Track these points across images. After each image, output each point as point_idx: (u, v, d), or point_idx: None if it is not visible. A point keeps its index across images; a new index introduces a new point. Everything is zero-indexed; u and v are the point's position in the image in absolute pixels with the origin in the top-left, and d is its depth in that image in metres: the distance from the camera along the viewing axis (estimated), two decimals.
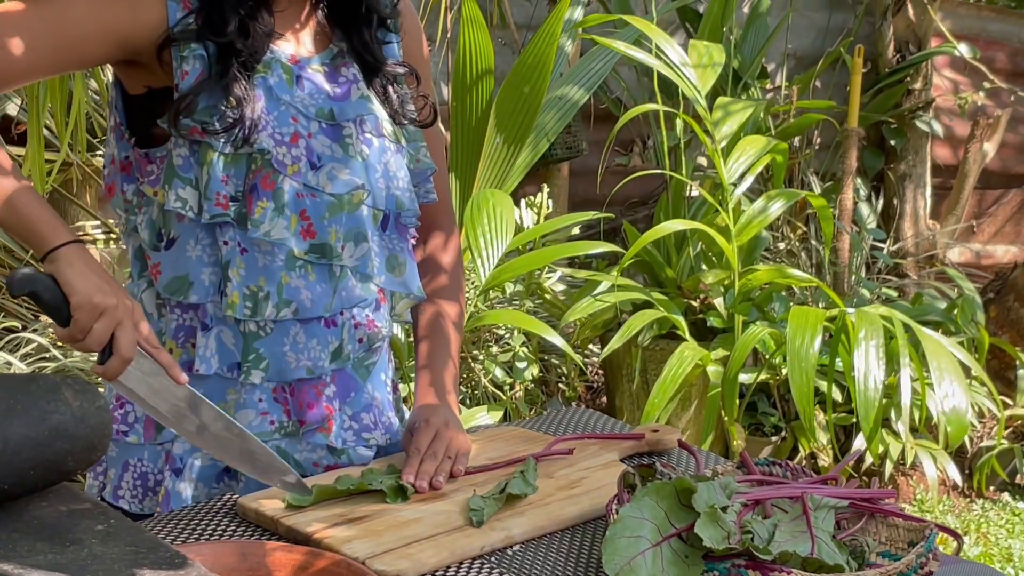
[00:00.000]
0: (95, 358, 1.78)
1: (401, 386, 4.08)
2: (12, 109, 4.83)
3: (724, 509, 1.60)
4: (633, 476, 1.75)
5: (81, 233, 5.02)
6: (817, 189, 6.55)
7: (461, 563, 1.66)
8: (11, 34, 1.79)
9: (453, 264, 2.28)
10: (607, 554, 1.52)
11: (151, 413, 1.81)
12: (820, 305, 4.99)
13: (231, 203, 1.91)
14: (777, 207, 4.66)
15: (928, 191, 7.08)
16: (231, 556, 1.58)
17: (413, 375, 2.52)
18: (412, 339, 2.28)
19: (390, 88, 2.07)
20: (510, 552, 1.71)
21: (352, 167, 1.97)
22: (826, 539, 1.63)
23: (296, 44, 2.01)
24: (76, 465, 1.59)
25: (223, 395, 1.99)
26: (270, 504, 1.79)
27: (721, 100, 4.98)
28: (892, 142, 7.01)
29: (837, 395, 4.81)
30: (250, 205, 1.90)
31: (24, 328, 4.49)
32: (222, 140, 1.88)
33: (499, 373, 4.71)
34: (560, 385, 5.34)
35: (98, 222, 4.91)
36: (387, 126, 2.05)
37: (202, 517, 1.82)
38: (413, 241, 2.15)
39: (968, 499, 5.26)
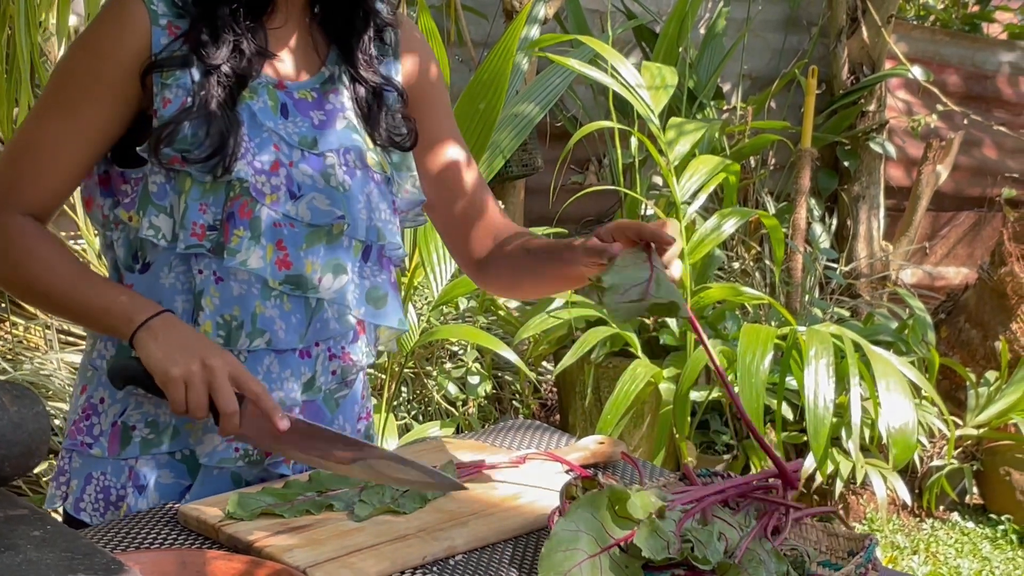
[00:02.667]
0: None
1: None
2: None
3: (661, 515, 1.61)
4: (576, 488, 1.74)
5: (70, 240, 5.01)
6: (771, 209, 6.60)
7: (403, 572, 1.66)
8: (36, 164, 1.89)
9: (498, 213, 2.22)
10: (543, 569, 1.52)
11: (289, 457, 1.88)
12: (773, 324, 5.01)
13: (208, 232, 1.88)
14: (730, 225, 4.69)
15: (882, 212, 7.13)
16: (170, 564, 1.57)
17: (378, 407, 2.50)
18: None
19: (373, 103, 2.04)
20: (452, 562, 1.71)
21: (333, 198, 1.94)
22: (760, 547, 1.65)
23: (285, 66, 1.99)
24: (13, 471, 1.60)
25: (191, 419, 1.96)
26: (211, 512, 1.78)
27: (674, 120, 5.02)
28: (846, 163, 7.07)
29: (788, 413, 4.83)
30: (227, 233, 1.88)
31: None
32: (201, 170, 1.86)
33: (452, 389, 4.71)
34: (514, 402, 5.35)
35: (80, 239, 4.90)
36: (371, 156, 2.02)
37: (143, 525, 1.80)
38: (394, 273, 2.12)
39: (918, 518, 5.29)
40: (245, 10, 1.89)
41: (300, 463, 1.93)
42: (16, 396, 1.61)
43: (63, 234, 4.95)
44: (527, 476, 2.02)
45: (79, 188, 2.01)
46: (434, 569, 1.68)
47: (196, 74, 1.86)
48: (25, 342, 4.64)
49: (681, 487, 1.82)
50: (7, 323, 4.71)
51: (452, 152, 2.17)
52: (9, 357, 4.33)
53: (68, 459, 2.04)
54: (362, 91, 2.03)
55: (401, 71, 2.09)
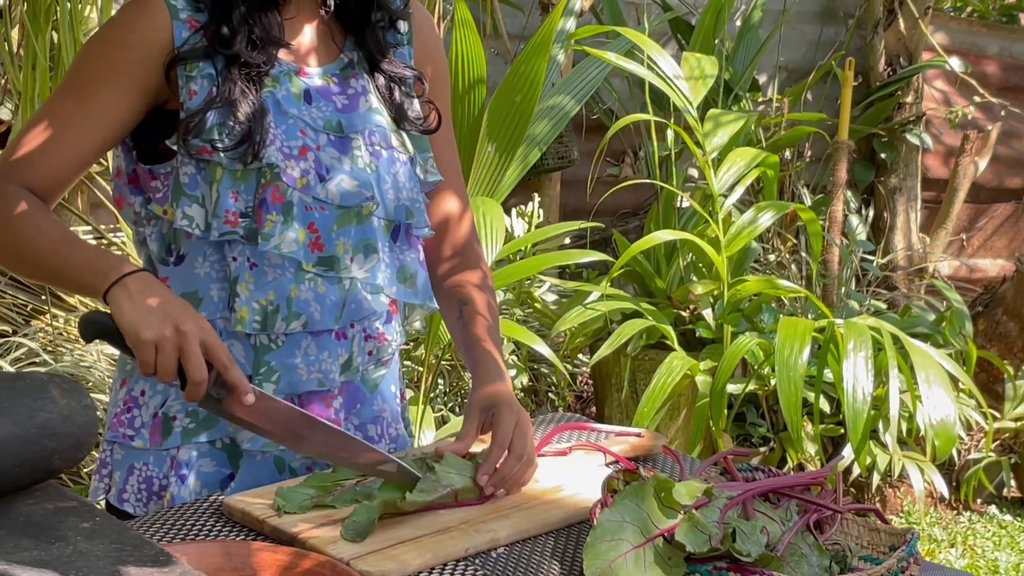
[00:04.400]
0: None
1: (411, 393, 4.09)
2: (5, 114, 4.85)
3: (709, 496, 1.63)
4: (617, 480, 1.76)
5: (109, 233, 5.04)
6: (808, 201, 6.59)
7: (445, 565, 1.67)
8: (44, 143, 1.89)
9: (468, 235, 2.25)
10: (588, 559, 1.54)
11: (256, 433, 1.86)
12: (809, 317, 5.00)
13: (241, 219, 1.91)
14: (766, 218, 4.68)
15: (919, 204, 7.11)
16: (216, 556, 1.59)
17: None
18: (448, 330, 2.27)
19: (396, 91, 2.07)
20: (494, 554, 1.72)
21: (361, 179, 1.98)
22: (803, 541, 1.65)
23: (304, 54, 2.02)
24: (62, 463, 1.61)
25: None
26: (255, 504, 1.80)
27: (712, 112, 5.01)
28: (883, 155, 7.04)
29: (825, 406, 4.82)
30: (260, 219, 1.91)
31: (15, 332, 4.51)
32: (231, 157, 1.89)
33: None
34: (550, 394, 5.36)
35: (89, 227, 4.92)
36: (395, 137, 2.05)
37: (188, 517, 1.82)
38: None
39: (955, 511, 5.28)
40: (259, 5, 1.92)
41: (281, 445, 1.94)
42: (66, 389, 1.61)
43: (102, 227, 4.99)
44: (569, 468, 2.04)
45: (110, 189, 2.04)
46: (476, 561, 1.70)
47: (218, 65, 1.90)
48: (65, 334, 4.68)
49: (723, 481, 1.83)
50: (47, 315, 4.76)
51: (440, 150, 2.21)
52: (50, 349, 4.37)
53: (110, 451, 2.06)
54: (381, 79, 2.06)
55: (414, 58, 2.13)
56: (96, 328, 1.79)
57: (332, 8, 2.03)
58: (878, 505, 5.09)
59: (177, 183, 1.92)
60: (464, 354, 2.17)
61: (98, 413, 3.42)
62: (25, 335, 4.46)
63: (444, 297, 2.22)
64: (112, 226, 5.11)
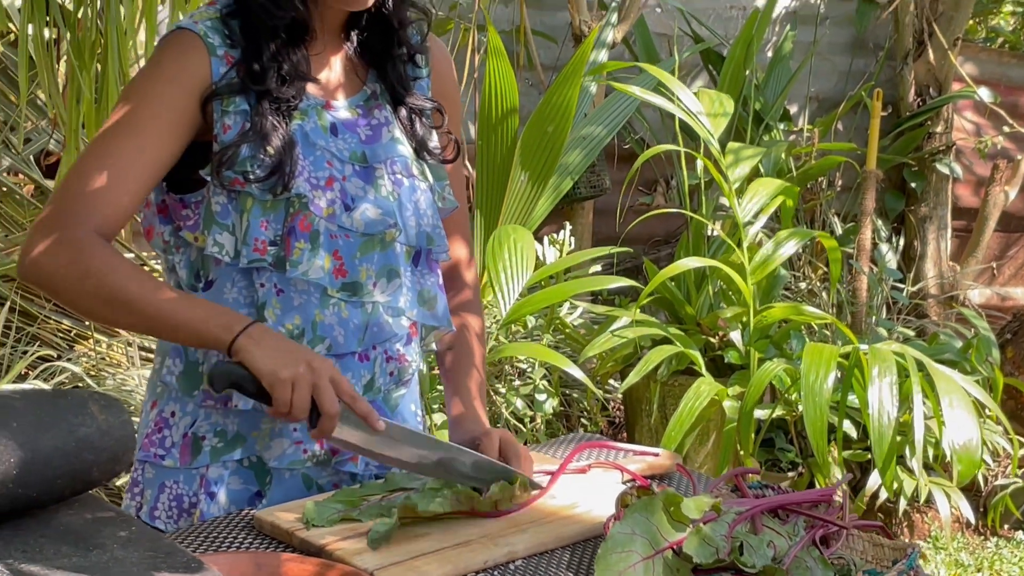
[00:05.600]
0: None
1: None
2: (54, 146, 4.98)
3: (717, 512, 1.70)
4: (631, 496, 1.82)
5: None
6: (839, 230, 6.64)
7: (464, 575, 1.74)
8: (105, 182, 1.92)
9: (474, 281, 2.37)
10: (599, 570, 1.61)
11: (370, 457, 1.93)
12: (838, 344, 5.06)
13: (269, 247, 1.99)
14: (790, 246, 4.74)
15: (949, 233, 7.11)
16: (246, 566, 1.66)
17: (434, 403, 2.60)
18: (437, 364, 2.37)
19: (417, 123, 2.16)
20: (512, 567, 1.79)
21: (384, 207, 2.05)
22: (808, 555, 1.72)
23: (330, 87, 2.10)
24: (101, 476, 1.67)
25: (258, 426, 2.08)
26: (284, 517, 1.88)
27: (732, 145, 5.10)
28: (913, 184, 7.06)
29: (852, 431, 4.86)
30: (288, 247, 1.98)
31: (59, 357, 4.61)
32: (262, 188, 1.96)
33: (520, 405, 4.79)
34: (582, 419, 5.42)
35: (132, 255, 5.03)
36: (416, 166, 2.14)
37: (220, 530, 1.90)
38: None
39: (982, 537, 5.30)
40: (286, 38, 2.00)
41: (387, 465, 2.01)
42: (104, 405, 1.68)
43: (144, 254, 5.10)
44: (587, 485, 2.11)
45: (138, 219, 2.13)
46: (494, 573, 1.76)
47: (251, 100, 1.98)
48: (108, 359, 4.78)
49: (733, 498, 1.91)
50: (91, 340, 4.86)
51: (452, 180, 2.29)
52: (93, 373, 4.47)
53: (141, 470, 2.14)
54: (403, 111, 2.14)
55: (431, 90, 2.21)
56: (229, 379, 1.87)
57: (356, 43, 2.13)
58: (905, 530, 5.14)
59: (209, 212, 1.99)
60: (448, 397, 2.26)
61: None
62: (69, 359, 4.56)
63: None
64: (155, 254, 5.23)
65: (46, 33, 2.71)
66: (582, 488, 2.10)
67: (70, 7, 2.77)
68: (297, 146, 1.99)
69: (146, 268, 4.98)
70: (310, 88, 2.06)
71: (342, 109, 2.10)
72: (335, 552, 1.76)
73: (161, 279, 2.09)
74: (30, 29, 2.70)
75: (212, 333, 1.87)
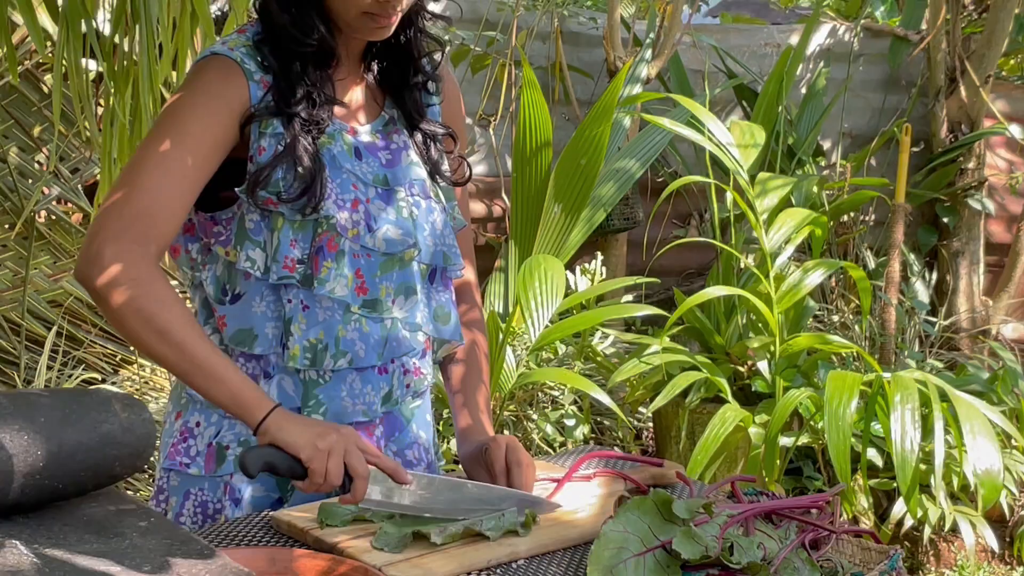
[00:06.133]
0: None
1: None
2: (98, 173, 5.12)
3: (708, 513, 1.78)
4: (627, 499, 1.90)
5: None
6: (871, 263, 6.69)
7: (469, 573, 1.81)
8: (161, 194, 1.96)
9: (479, 300, 2.46)
10: (591, 564, 1.68)
11: (395, 510, 1.96)
12: (864, 373, 5.10)
13: (298, 265, 2.07)
14: (816, 276, 4.81)
15: (981, 268, 7.14)
16: (262, 560, 1.73)
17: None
18: (443, 376, 2.44)
19: (431, 147, 2.26)
20: (514, 566, 1.86)
21: (404, 227, 2.15)
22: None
23: (353, 112, 2.20)
24: (123, 470, 1.76)
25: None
26: (300, 517, 1.96)
27: (762, 176, 5.17)
28: (945, 219, 7.10)
29: (878, 460, 4.91)
30: (316, 266, 2.07)
31: (103, 380, 4.74)
32: (293, 208, 2.05)
33: (550, 430, 4.87)
34: (615, 448, 5.49)
35: (176, 283, 5.16)
36: (431, 188, 2.24)
37: (240, 529, 1.98)
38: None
39: (1008, 566, 5.32)
40: (313, 64, 2.09)
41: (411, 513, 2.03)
42: (126, 404, 1.76)
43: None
44: (590, 492, 2.19)
45: None
46: (497, 571, 1.83)
47: (284, 122, 2.06)
48: (151, 383, 4.90)
49: (728, 503, 1.99)
50: (135, 365, 4.99)
51: (459, 202, 2.38)
52: (136, 397, 4.59)
53: (166, 478, 2.21)
54: (419, 136, 2.25)
55: (441, 115, 2.32)
56: (261, 461, 1.89)
57: (375, 71, 2.24)
58: (932, 558, 5.17)
59: (242, 228, 2.08)
60: (456, 408, 2.34)
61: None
62: (113, 383, 4.68)
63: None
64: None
65: (83, 62, 2.83)
66: (585, 494, 2.17)
67: (105, 34, 2.90)
68: (326, 169, 2.09)
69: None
70: (335, 112, 2.15)
71: (364, 133, 2.19)
72: (347, 549, 1.83)
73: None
74: (65, 56, 2.81)
75: (246, 401, 1.92)
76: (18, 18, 4.80)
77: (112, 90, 2.84)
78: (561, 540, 1.96)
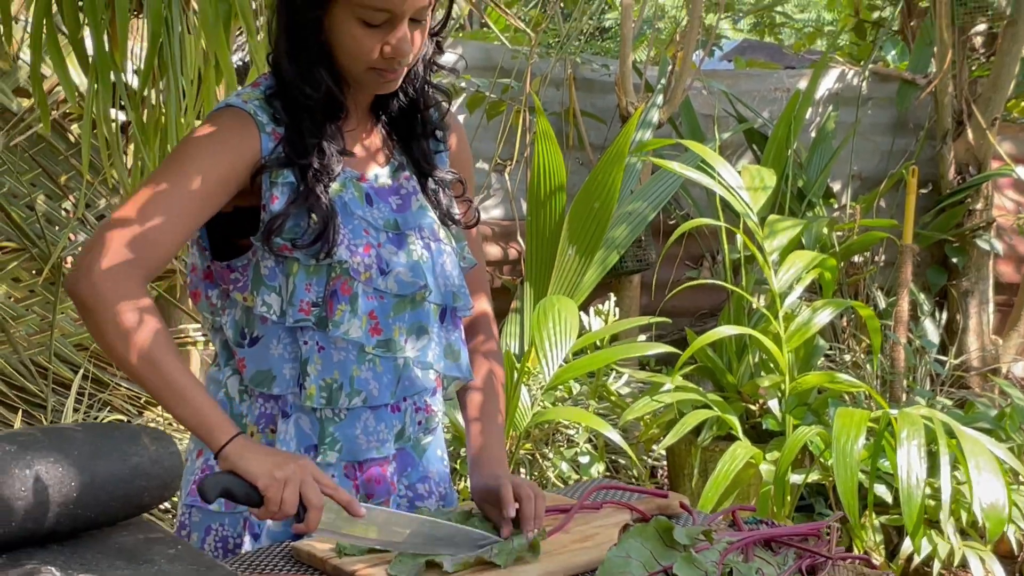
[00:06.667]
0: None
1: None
2: None
3: (708, 540, 1.87)
4: (631, 526, 1.99)
5: (183, 336, 5.39)
6: (882, 304, 6.77)
7: None
8: (158, 222, 2.03)
9: (496, 333, 2.53)
10: None
11: (357, 542, 2.03)
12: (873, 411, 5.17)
13: (313, 308, 2.16)
14: (825, 316, 4.89)
15: (991, 307, 7.21)
16: None
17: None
18: (459, 404, 2.49)
19: (440, 193, 2.35)
20: None
21: (415, 270, 2.23)
22: None
23: (363, 160, 2.28)
24: (152, 501, 1.85)
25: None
26: (320, 547, 2.05)
27: (771, 218, 5.26)
28: (955, 260, 7.19)
29: (888, 496, 4.96)
30: (330, 309, 2.16)
31: (128, 422, 4.84)
32: (307, 254, 2.14)
33: (565, 468, 4.95)
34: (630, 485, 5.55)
35: (199, 325, 5.27)
36: (441, 231, 2.33)
37: (262, 559, 2.08)
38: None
39: None
40: (323, 117, 2.18)
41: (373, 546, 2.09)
42: (155, 437, 1.86)
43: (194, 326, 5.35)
44: (598, 521, 2.27)
45: (187, 283, 2.31)
46: None
47: (296, 172, 2.15)
48: (175, 424, 4.99)
49: (729, 531, 2.09)
50: (160, 407, 5.09)
51: (470, 242, 2.47)
52: None
53: (188, 514, 2.29)
54: (429, 182, 2.34)
55: (449, 162, 2.41)
56: (220, 487, 1.93)
57: (385, 121, 2.34)
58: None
59: (257, 274, 2.17)
60: (473, 435, 2.39)
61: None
62: (138, 424, 4.78)
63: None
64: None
65: (112, 112, 2.95)
66: (593, 523, 2.26)
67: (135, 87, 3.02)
68: (338, 216, 2.17)
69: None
70: (346, 161, 2.24)
71: (375, 180, 2.28)
72: None
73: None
74: (94, 107, 2.93)
75: (210, 425, 1.96)
76: (45, 69, 4.97)
77: (141, 140, 2.96)
78: (569, 567, 2.04)
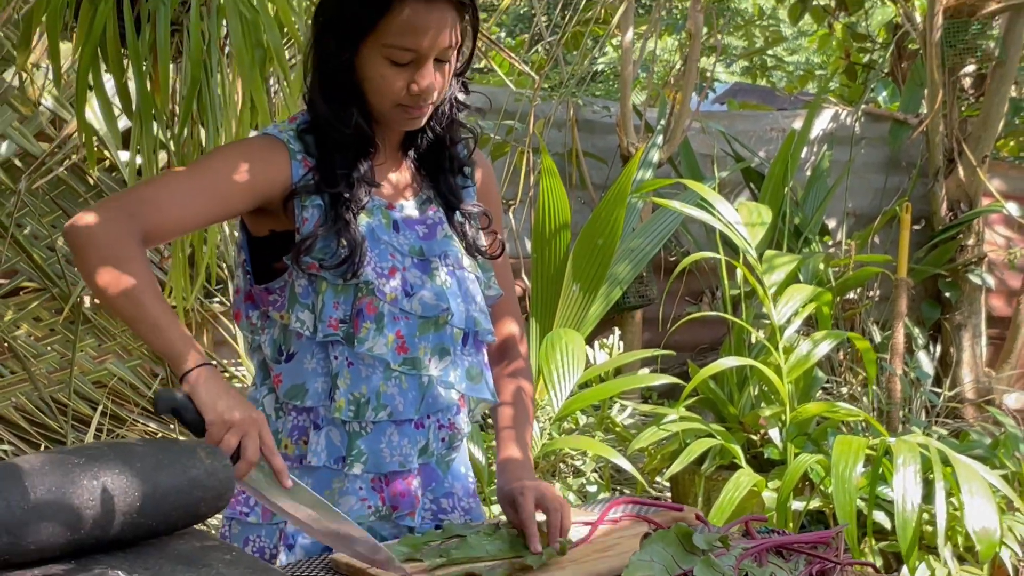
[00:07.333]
0: None
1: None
2: None
3: (724, 546, 1.99)
4: (652, 534, 2.08)
5: (230, 367, 5.50)
6: (877, 338, 6.89)
7: None
8: (169, 193, 2.16)
9: (527, 353, 2.63)
10: None
11: (270, 507, 2.11)
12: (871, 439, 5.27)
13: (341, 324, 2.27)
14: (824, 347, 5.01)
15: (984, 340, 7.34)
16: None
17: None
18: (492, 416, 2.59)
19: (467, 225, 2.46)
20: None
21: (438, 294, 2.34)
22: None
23: (392, 192, 2.40)
24: (207, 510, 1.94)
25: (329, 483, 2.34)
26: (358, 562, 2.12)
27: (769, 253, 5.39)
28: (948, 294, 7.32)
29: (887, 522, 5.06)
30: (356, 326, 2.27)
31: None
32: (334, 274, 2.26)
33: (573, 498, 5.04)
34: None
35: (214, 363, 5.38)
36: (466, 259, 2.43)
37: (303, 570, 2.18)
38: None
39: None
40: (353, 152, 2.31)
41: (285, 519, 2.19)
42: (209, 452, 1.95)
43: (224, 361, 5.47)
44: (619, 532, 2.39)
45: (231, 304, 2.44)
46: None
47: (325, 199, 2.27)
48: None
49: (743, 540, 2.21)
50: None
51: (499, 270, 2.58)
52: None
53: (228, 527, 2.41)
54: (456, 215, 2.45)
55: (476, 195, 2.52)
56: (171, 404, 2.02)
57: (414, 157, 2.46)
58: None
59: (292, 293, 2.29)
60: (503, 441, 2.49)
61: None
62: (193, 440, 4.87)
63: (501, 384, 2.58)
64: (234, 361, 5.59)
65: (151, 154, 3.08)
66: (614, 534, 2.37)
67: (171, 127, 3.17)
68: (365, 240, 2.26)
69: (225, 375, 5.28)
70: (375, 192, 2.36)
71: (402, 210, 2.40)
72: None
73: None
74: (134, 153, 3.06)
75: (176, 350, 2.04)
76: (65, 113, 5.11)
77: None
78: (592, 574, 2.15)
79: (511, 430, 2.49)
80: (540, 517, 2.29)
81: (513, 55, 5.93)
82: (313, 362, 2.31)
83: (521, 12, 15.12)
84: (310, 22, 2.40)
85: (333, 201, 2.26)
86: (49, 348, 5.32)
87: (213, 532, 2.29)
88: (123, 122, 4.33)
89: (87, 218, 2.08)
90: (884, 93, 8.29)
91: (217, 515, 2.07)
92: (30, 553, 1.70)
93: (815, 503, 4.99)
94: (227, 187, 2.20)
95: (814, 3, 8.79)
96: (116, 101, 3.19)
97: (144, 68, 2.85)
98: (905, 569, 4.93)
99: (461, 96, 2.44)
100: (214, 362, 2.15)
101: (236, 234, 2.55)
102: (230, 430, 2.01)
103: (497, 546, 2.19)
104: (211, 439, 2.02)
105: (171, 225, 2.17)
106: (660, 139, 6.51)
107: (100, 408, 5.20)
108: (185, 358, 2.04)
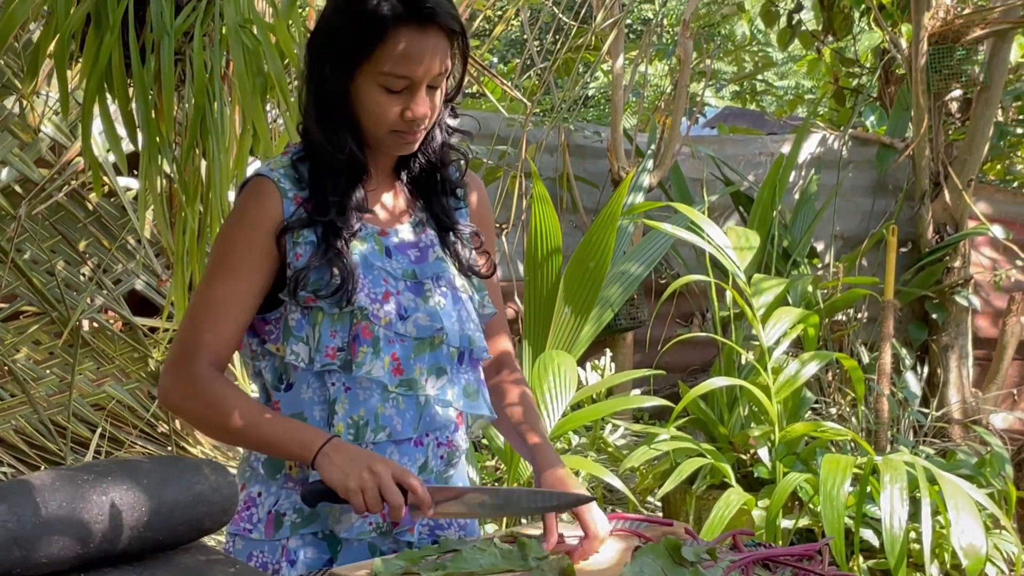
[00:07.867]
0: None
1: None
2: (140, 285, 5.44)
3: (711, 565, 2.05)
4: (642, 547, 2.14)
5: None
6: (865, 359, 6.95)
7: None
8: (211, 317, 2.28)
9: (519, 366, 2.68)
10: None
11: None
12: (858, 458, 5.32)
13: (338, 353, 2.31)
14: (812, 367, 5.07)
15: (970, 361, 7.40)
16: None
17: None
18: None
19: (459, 245, 2.50)
20: None
21: (432, 315, 2.38)
22: None
23: (385, 217, 2.44)
24: (212, 525, 1.98)
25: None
26: (358, 573, 2.17)
27: (757, 276, 5.45)
28: (934, 315, 7.38)
29: (875, 540, 5.11)
30: (354, 351, 2.31)
31: None
32: (330, 303, 2.30)
33: (565, 516, 5.09)
34: None
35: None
36: (458, 280, 2.47)
37: None
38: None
39: None
40: (346, 181, 2.35)
41: (452, 518, 2.36)
42: (214, 468, 1.99)
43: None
44: (610, 547, 2.42)
45: None
46: None
47: (318, 231, 2.32)
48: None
49: (731, 553, 2.27)
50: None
51: (491, 290, 2.63)
52: None
53: (232, 542, 2.44)
54: (448, 236, 2.49)
55: (469, 216, 2.56)
56: (317, 495, 2.17)
57: (406, 180, 2.50)
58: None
59: (286, 326, 2.33)
60: (524, 431, 2.54)
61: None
62: (199, 457, 4.93)
63: (505, 391, 2.63)
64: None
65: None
66: (606, 548, 2.41)
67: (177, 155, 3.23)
68: (358, 267, 2.29)
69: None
70: (368, 218, 2.40)
71: (395, 235, 2.43)
72: None
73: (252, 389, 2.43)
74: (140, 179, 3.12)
75: (296, 452, 2.21)
76: (64, 140, 5.18)
77: (183, 200, 3.16)
78: None
79: (532, 425, 2.54)
80: (576, 531, 2.39)
81: (505, 81, 5.99)
82: (310, 392, 2.35)
83: (513, 37, 15.19)
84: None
85: (325, 232, 2.31)
86: (48, 371, 5.36)
87: (218, 548, 2.35)
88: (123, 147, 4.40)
89: (162, 391, 2.30)
90: (872, 117, 8.37)
91: (222, 531, 2.13)
92: (41, 566, 1.73)
93: (804, 521, 5.03)
94: (251, 265, 2.30)
95: (803, 28, 8.88)
96: (120, 130, 3.26)
97: (150, 97, 2.92)
98: (834, 537, 4.99)
99: (451, 121, 2.49)
100: (333, 437, 2.24)
101: None
102: (364, 492, 2.14)
103: (490, 560, 2.22)
104: (356, 508, 2.16)
105: (229, 335, 2.31)
106: (650, 163, 6.57)
107: (99, 430, 5.24)
108: (304, 455, 2.20)
